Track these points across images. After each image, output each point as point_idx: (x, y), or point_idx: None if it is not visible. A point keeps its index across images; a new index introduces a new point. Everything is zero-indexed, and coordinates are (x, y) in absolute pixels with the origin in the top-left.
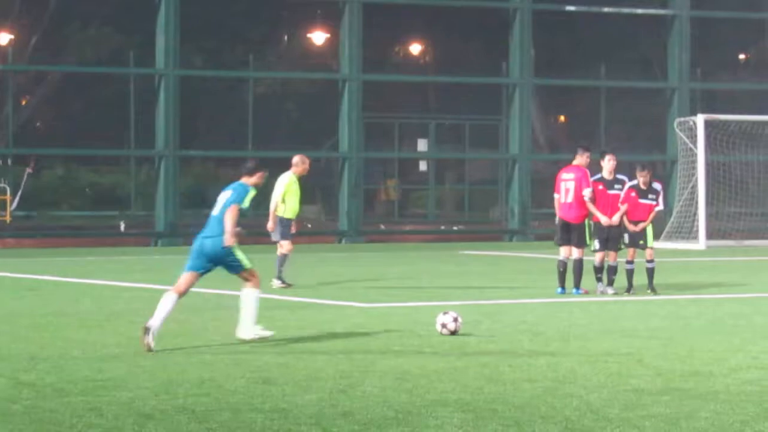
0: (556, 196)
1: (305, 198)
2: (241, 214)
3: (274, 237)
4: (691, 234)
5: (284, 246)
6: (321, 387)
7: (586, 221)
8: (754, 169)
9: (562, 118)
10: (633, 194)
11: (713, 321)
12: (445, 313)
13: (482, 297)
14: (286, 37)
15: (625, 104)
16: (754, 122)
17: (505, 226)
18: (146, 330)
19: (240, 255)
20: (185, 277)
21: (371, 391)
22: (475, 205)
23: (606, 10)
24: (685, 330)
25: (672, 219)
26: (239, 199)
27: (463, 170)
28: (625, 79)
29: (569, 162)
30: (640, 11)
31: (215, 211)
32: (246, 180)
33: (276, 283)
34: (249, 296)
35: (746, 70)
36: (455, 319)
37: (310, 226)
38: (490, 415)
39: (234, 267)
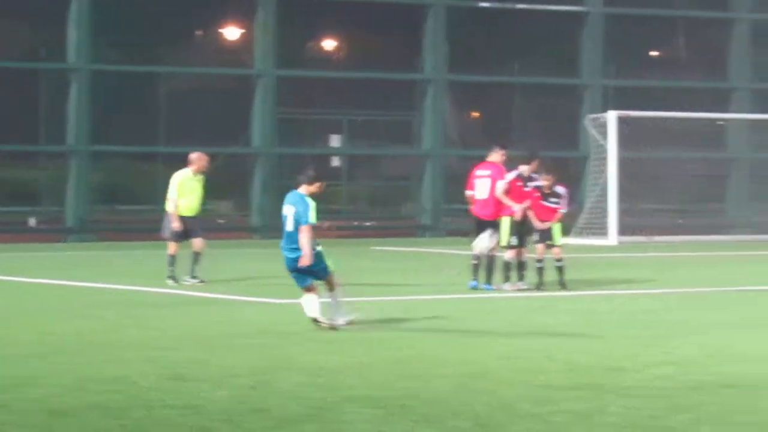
0: (469, 192)
1: (219, 194)
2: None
3: (165, 234)
4: (602, 230)
5: (195, 244)
6: (234, 383)
7: (508, 218)
8: (665, 165)
9: (475, 114)
10: (536, 194)
11: (624, 317)
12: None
13: (394, 293)
14: (200, 32)
15: (539, 101)
16: (665, 119)
17: (417, 222)
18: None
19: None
20: None
21: (284, 388)
22: (388, 201)
23: (520, 6)
24: (596, 326)
25: (583, 215)
26: (306, 218)
27: (377, 166)
28: (538, 75)
29: (482, 158)
30: (554, 8)
31: (289, 227)
32: (305, 189)
33: (189, 281)
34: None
35: (658, 66)
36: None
37: (223, 221)
38: (401, 410)
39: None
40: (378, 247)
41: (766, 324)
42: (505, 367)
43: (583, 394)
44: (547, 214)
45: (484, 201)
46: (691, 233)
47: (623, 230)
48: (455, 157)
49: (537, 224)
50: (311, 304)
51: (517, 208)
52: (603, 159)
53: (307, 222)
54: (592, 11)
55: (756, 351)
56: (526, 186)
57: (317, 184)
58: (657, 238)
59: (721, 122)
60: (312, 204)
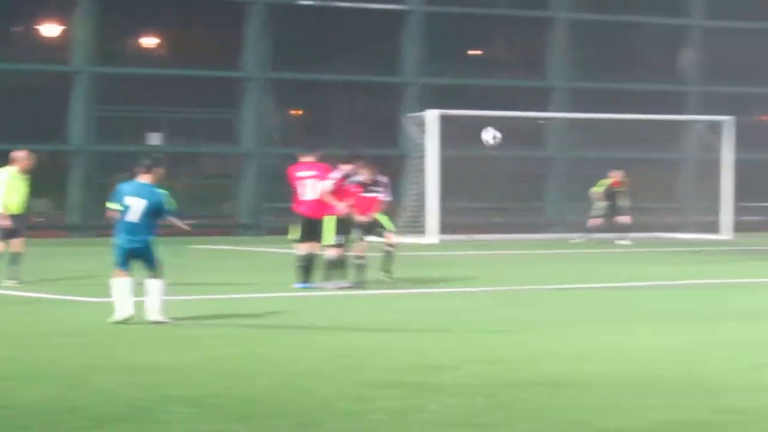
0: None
1: (36, 192)
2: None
3: None
4: (422, 229)
5: (14, 244)
6: (50, 382)
7: (332, 217)
8: (485, 164)
9: (296, 112)
10: (358, 189)
11: (443, 314)
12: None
13: (213, 292)
14: (18, 29)
15: (359, 99)
16: (484, 117)
17: (237, 220)
18: None
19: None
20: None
21: (102, 387)
22: (208, 200)
23: (341, 4)
24: (416, 324)
25: (404, 214)
26: (170, 207)
27: (197, 164)
28: (359, 73)
29: (301, 158)
30: (374, 6)
31: (133, 217)
32: (147, 178)
33: (8, 282)
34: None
35: (477, 65)
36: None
37: (42, 220)
38: (220, 409)
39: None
40: (197, 246)
41: (581, 322)
42: (325, 365)
43: (402, 392)
44: (370, 206)
45: (315, 201)
46: (510, 232)
47: (443, 229)
48: (276, 155)
49: (360, 219)
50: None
51: (341, 207)
52: (423, 157)
53: (171, 211)
54: (413, 10)
55: (571, 349)
56: (350, 184)
57: (156, 171)
58: (477, 237)
59: (541, 121)
60: (164, 192)
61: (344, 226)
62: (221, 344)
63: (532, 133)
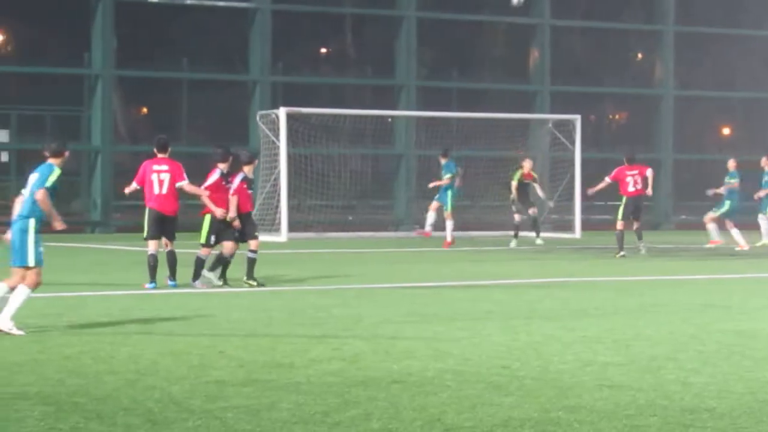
0: (135, 185)
1: None
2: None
3: None
4: (273, 226)
5: None
6: None
7: (209, 216)
8: (335, 162)
9: (144, 109)
10: (243, 186)
11: (294, 313)
12: None
13: (64, 289)
14: None
15: (209, 96)
16: (334, 115)
17: (87, 217)
18: None
19: (30, 248)
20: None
21: None
22: (58, 197)
23: (189, 2)
24: (267, 322)
25: (255, 211)
26: (42, 182)
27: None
28: (207, 71)
29: (151, 154)
30: (222, 3)
31: (25, 194)
32: (53, 161)
33: None
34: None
35: (327, 64)
36: None
37: None
38: (72, 407)
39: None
40: (47, 243)
41: (431, 319)
42: (177, 364)
43: (254, 391)
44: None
45: (164, 196)
46: (360, 230)
47: (293, 227)
48: (124, 152)
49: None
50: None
51: (220, 213)
52: (274, 155)
53: (42, 185)
54: (260, 7)
55: (422, 346)
56: (227, 183)
57: (65, 154)
58: (327, 235)
59: (390, 119)
60: (56, 171)
61: (220, 226)
62: (72, 343)
63: (382, 131)
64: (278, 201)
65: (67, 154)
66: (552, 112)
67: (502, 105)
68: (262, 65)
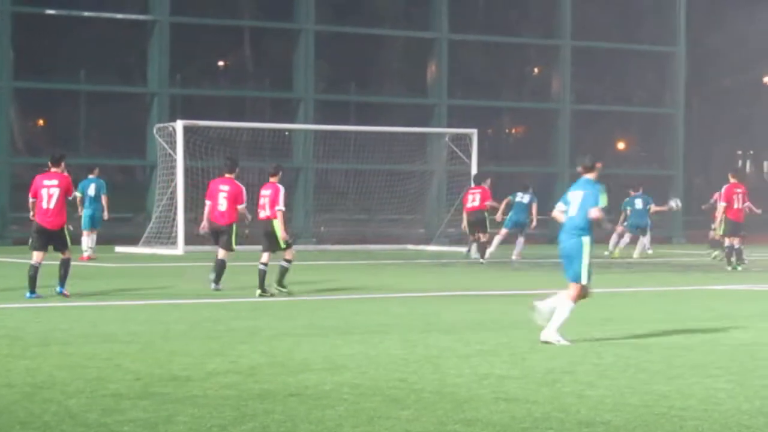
0: (32, 200)
1: None
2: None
3: None
4: (170, 239)
5: None
6: None
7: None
8: None
9: (41, 121)
10: None
11: (192, 325)
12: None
13: None
14: None
15: (107, 109)
16: (232, 128)
17: None
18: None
19: (584, 266)
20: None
21: None
22: None
23: (87, 14)
24: (164, 335)
25: (152, 224)
26: (596, 201)
27: None
28: (105, 83)
29: (49, 167)
30: (120, 16)
31: (572, 212)
32: (589, 175)
33: None
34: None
35: (225, 76)
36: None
37: None
38: None
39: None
40: None
41: (329, 332)
42: (74, 377)
43: (151, 404)
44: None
45: (52, 210)
46: (257, 243)
47: (191, 240)
48: (22, 165)
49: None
50: None
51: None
52: (171, 168)
53: (593, 205)
54: (159, 20)
55: (319, 359)
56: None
57: (598, 167)
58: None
59: (287, 132)
60: (602, 189)
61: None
62: None
63: (280, 144)
64: (175, 214)
65: (600, 166)
66: (450, 125)
67: (401, 119)
68: (161, 77)
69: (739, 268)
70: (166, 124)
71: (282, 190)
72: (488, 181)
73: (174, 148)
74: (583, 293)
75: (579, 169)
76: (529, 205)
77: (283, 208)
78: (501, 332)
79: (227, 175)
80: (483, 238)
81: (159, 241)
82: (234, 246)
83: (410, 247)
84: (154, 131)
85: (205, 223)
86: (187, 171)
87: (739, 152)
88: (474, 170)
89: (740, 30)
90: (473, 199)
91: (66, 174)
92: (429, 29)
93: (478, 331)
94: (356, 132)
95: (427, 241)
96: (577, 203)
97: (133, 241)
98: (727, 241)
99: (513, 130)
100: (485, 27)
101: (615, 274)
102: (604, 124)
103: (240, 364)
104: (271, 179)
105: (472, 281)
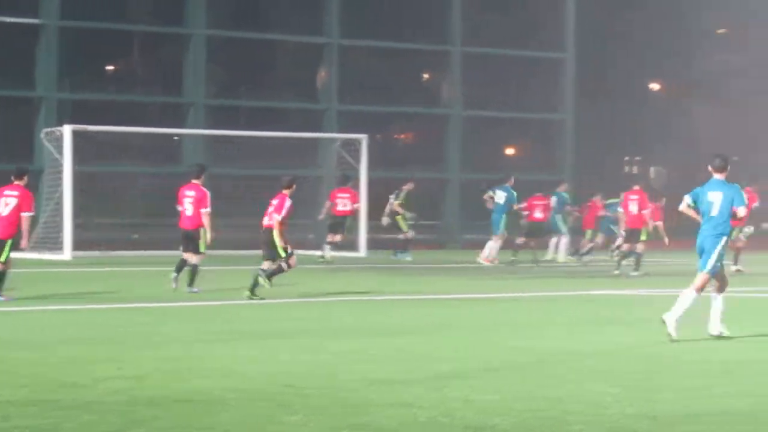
0: None
1: None
2: None
3: None
4: (57, 245)
5: None
6: None
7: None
8: (123, 180)
9: None
10: None
11: (85, 331)
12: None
13: None
14: None
15: None
16: (121, 133)
17: None
18: (663, 322)
19: (713, 259)
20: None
21: None
22: None
23: None
24: (54, 340)
25: (38, 229)
26: (742, 201)
27: None
28: None
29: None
30: (8, 20)
31: (714, 212)
32: (721, 176)
33: None
34: (716, 300)
35: (114, 81)
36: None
37: None
38: None
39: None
40: None
41: (220, 338)
42: None
43: (38, 411)
44: None
45: (5, 218)
46: (148, 248)
47: (79, 245)
48: None
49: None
50: None
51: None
52: (59, 173)
53: (740, 204)
54: (47, 23)
55: (210, 365)
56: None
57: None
58: (112, 253)
59: (176, 137)
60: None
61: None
62: None
63: (170, 148)
64: (62, 219)
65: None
66: (340, 131)
67: (292, 124)
68: (49, 82)
69: (634, 274)
70: (53, 129)
71: (288, 202)
72: (353, 183)
73: (62, 153)
74: (705, 282)
75: (710, 169)
76: (505, 205)
77: (280, 218)
78: (390, 337)
79: (193, 181)
80: (339, 239)
81: (46, 247)
82: (203, 249)
83: (301, 252)
84: (42, 136)
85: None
86: (76, 176)
87: (627, 158)
88: (364, 176)
89: (628, 36)
90: (344, 204)
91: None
92: (320, 34)
93: (369, 336)
94: (247, 137)
95: (318, 246)
96: (718, 204)
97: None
98: (624, 246)
99: (403, 136)
100: (376, 32)
101: (508, 281)
102: (494, 130)
103: (130, 370)
104: (284, 191)
105: (366, 285)
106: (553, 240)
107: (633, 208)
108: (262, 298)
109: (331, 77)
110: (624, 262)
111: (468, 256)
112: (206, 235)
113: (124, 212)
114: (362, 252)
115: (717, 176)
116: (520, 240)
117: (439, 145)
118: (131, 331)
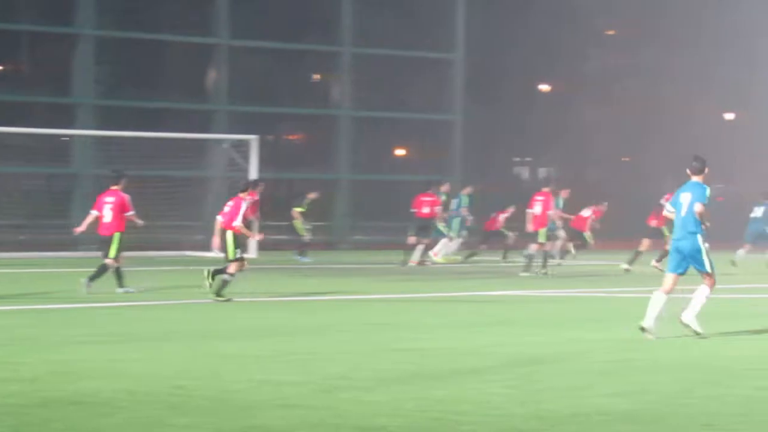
0: None
1: None
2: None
3: None
4: None
5: None
6: None
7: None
8: (6, 181)
9: None
10: None
11: None
12: None
13: None
14: None
15: None
16: (7, 134)
17: None
18: (642, 329)
19: (705, 258)
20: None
21: None
22: None
23: None
24: None
25: None
26: (703, 198)
27: None
28: None
29: None
30: None
31: (683, 212)
32: (700, 179)
33: None
34: (701, 291)
35: (1, 81)
36: None
37: None
38: None
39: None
40: None
41: (109, 339)
42: None
43: None
44: None
45: None
46: (35, 249)
47: None
48: None
49: None
50: None
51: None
52: None
53: (699, 201)
54: None
55: (100, 367)
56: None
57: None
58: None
59: (65, 138)
60: (707, 188)
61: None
62: None
63: (57, 150)
64: None
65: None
66: (230, 132)
67: (182, 125)
68: None
69: (533, 274)
70: None
71: (244, 206)
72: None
73: None
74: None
75: (688, 171)
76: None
77: (239, 225)
78: (280, 338)
79: (113, 188)
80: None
81: None
82: (115, 253)
83: (189, 253)
84: None
85: (81, 228)
86: None
87: (517, 159)
88: (253, 177)
89: (519, 38)
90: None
91: None
92: (210, 35)
93: (258, 338)
94: (135, 138)
95: (206, 248)
96: (686, 204)
97: None
98: (530, 247)
99: (293, 137)
100: (266, 33)
101: (393, 282)
102: (384, 130)
103: (21, 372)
104: (240, 194)
105: (255, 286)
106: (443, 240)
107: (537, 209)
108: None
109: (221, 78)
110: (557, 261)
111: (360, 257)
112: (118, 241)
113: (8, 213)
114: (253, 253)
115: (694, 179)
116: (411, 239)
117: (330, 146)
118: (22, 334)
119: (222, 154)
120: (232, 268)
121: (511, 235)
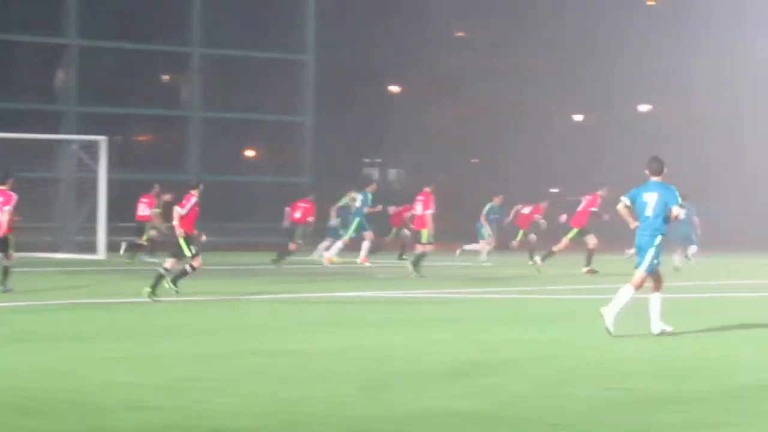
0: None
1: None
2: None
3: None
4: None
5: None
6: None
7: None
8: None
9: None
10: None
11: None
12: None
13: None
14: None
15: None
16: None
17: None
18: (601, 315)
19: (649, 258)
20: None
21: None
22: None
23: None
24: None
25: None
26: (676, 200)
27: None
28: None
29: None
30: None
31: (648, 212)
32: (660, 179)
33: None
34: (653, 299)
35: None
36: None
37: None
38: None
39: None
40: None
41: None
42: None
43: None
44: None
45: None
46: None
47: None
48: None
49: None
50: None
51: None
52: None
53: (672, 203)
54: None
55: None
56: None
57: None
58: None
59: None
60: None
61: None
62: None
63: None
64: None
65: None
66: (80, 132)
67: (30, 125)
68: None
69: (415, 275)
70: None
71: (193, 200)
72: (154, 189)
73: None
74: (643, 281)
75: (647, 172)
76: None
77: (183, 212)
78: (133, 339)
79: (0, 188)
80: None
81: None
82: (10, 252)
83: (38, 254)
84: None
85: None
86: None
87: (367, 160)
88: (102, 178)
89: (368, 39)
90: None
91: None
92: (59, 35)
93: (110, 340)
94: None
95: (56, 249)
96: (652, 204)
97: None
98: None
99: (143, 138)
100: (116, 33)
101: (254, 283)
102: (235, 131)
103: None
104: (192, 191)
105: (100, 289)
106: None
107: (418, 208)
108: (158, 300)
109: (70, 78)
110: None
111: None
112: (12, 239)
113: None
114: (102, 254)
115: (654, 179)
116: (292, 246)
117: (179, 147)
118: None
119: (71, 155)
120: (196, 262)
121: (408, 233)
